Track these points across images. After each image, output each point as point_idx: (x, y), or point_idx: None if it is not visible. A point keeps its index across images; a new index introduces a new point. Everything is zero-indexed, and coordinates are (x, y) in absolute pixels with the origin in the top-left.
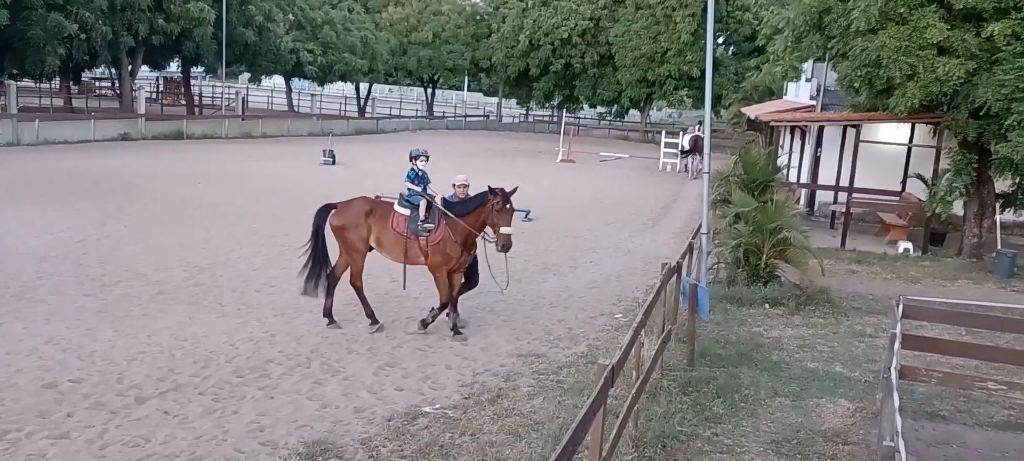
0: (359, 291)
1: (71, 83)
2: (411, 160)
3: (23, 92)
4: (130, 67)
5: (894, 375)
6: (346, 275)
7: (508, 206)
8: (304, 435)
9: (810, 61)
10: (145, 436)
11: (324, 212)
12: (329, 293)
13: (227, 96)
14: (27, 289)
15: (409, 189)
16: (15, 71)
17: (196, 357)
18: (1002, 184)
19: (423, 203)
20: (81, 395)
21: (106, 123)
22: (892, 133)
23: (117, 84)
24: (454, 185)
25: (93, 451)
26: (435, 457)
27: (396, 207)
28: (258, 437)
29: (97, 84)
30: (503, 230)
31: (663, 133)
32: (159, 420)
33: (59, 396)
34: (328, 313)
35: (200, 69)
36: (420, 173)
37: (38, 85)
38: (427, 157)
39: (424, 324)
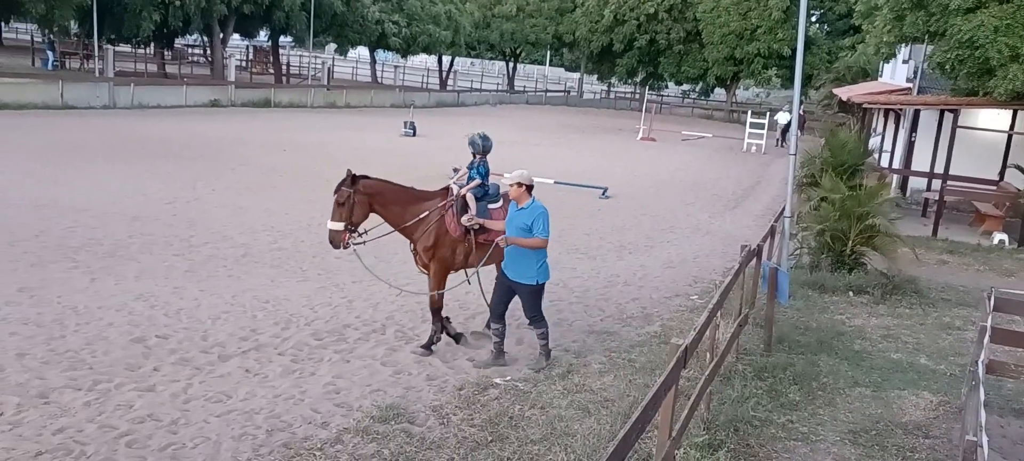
0: None
1: (165, 49)
2: None
3: (119, 57)
4: (222, 35)
5: (981, 369)
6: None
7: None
8: (378, 399)
9: (909, 43)
10: (227, 392)
11: None
12: None
13: (314, 66)
14: (119, 247)
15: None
16: (112, 36)
17: (277, 318)
18: None
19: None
20: (167, 350)
21: (197, 89)
22: (991, 120)
23: (209, 51)
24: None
25: (177, 404)
26: (504, 428)
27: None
28: (334, 398)
29: (189, 51)
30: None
31: (749, 113)
32: (240, 377)
33: (147, 350)
34: None
35: (288, 39)
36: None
37: (133, 50)
38: (474, 146)
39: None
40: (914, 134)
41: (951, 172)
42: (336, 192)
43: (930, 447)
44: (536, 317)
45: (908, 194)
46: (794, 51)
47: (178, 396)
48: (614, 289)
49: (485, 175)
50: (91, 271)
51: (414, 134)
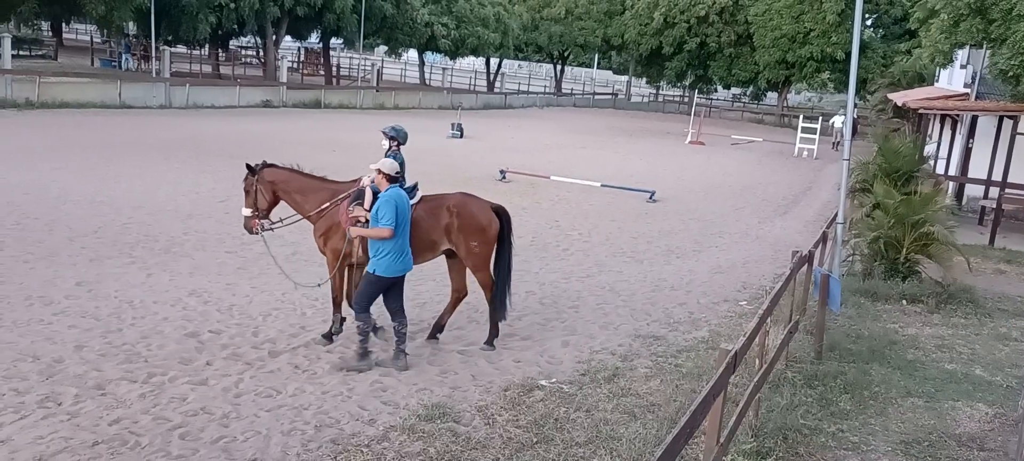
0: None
1: (219, 51)
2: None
3: (175, 58)
4: (274, 37)
5: None
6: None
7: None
8: (424, 398)
9: (967, 47)
10: (277, 388)
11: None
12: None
13: (363, 68)
14: (174, 243)
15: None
16: (169, 37)
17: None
18: None
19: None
20: (220, 345)
21: (250, 90)
22: None
23: (262, 53)
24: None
25: (228, 398)
26: (549, 430)
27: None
28: (380, 396)
29: (243, 52)
30: None
31: (801, 117)
32: (290, 373)
33: (200, 345)
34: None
35: (339, 41)
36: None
37: (189, 52)
38: (397, 134)
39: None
40: (971, 140)
41: (1010, 180)
42: (244, 181)
43: (985, 460)
44: (359, 307)
45: (964, 202)
46: (848, 55)
47: (229, 390)
48: (661, 293)
49: (400, 167)
50: (147, 266)
51: (461, 136)
